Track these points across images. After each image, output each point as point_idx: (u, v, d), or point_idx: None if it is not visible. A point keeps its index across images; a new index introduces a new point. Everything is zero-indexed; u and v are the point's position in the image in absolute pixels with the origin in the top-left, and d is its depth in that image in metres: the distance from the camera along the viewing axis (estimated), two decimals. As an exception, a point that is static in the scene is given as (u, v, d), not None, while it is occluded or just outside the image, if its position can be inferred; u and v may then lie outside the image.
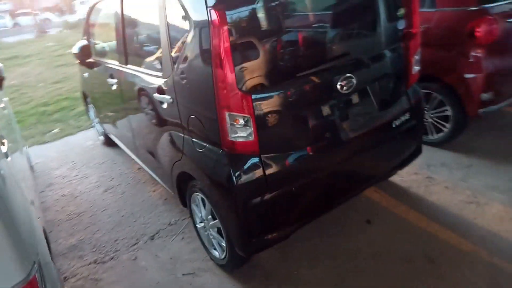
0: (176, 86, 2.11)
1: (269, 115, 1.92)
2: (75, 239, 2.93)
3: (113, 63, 3.11)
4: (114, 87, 3.11)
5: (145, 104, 2.63)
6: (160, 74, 2.30)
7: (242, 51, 1.80)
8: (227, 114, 1.83)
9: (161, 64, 2.28)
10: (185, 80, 2.02)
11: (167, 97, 2.22)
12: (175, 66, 2.08)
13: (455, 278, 2.17)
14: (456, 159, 3.33)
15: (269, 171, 1.94)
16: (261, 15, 1.86)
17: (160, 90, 2.29)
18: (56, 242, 2.92)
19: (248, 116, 1.83)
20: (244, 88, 1.81)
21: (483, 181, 2.97)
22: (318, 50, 2.11)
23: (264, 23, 1.88)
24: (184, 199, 2.62)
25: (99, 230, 3.00)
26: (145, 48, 2.54)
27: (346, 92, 2.11)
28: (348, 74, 2.10)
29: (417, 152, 2.69)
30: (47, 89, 7.68)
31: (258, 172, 1.92)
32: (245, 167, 1.90)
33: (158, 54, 2.34)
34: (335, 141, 2.17)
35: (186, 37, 1.93)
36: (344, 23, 2.20)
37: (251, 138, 1.87)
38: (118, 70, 2.98)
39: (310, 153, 2.08)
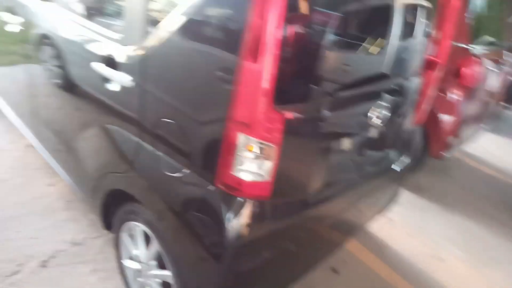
0: (147, 65, 1.31)
1: (294, 145, 1.29)
2: None
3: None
4: (14, 28, 2.06)
5: (72, 69, 1.72)
6: (115, 36, 1.45)
7: (294, 40, 1.12)
8: (241, 136, 1.14)
9: (120, 21, 1.43)
10: (171, 62, 1.25)
11: (123, 76, 1.39)
12: (154, 32, 1.28)
13: None
14: (409, 198, 3.16)
15: (275, 223, 1.32)
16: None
17: (111, 63, 1.44)
18: None
19: (272, 144, 1.17)
20: (277, 102, 1.14)
21: (440, 231, 2.82)
22: (369, 64, 1.54)
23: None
24: (108, 219, 1.82)
25: (-45, 243, 1.96)
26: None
27: (375, 123, 1.60)
28: (384, 103, 1.59)
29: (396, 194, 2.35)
30: None
31: (263, 226, 1.28)
32: (248, 218, 1.24)
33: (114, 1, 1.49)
34: (348, 183, 1.65)
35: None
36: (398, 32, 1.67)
37: (266, 177, 1.21)
38: (25, 5, 1.95)
39: (322, 197, 1.52)
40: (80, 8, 1.68)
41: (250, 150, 1.16)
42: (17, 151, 2.73)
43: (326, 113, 1.35)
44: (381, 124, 1.60)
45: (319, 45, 1.42)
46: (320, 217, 1.60)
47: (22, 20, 2.00)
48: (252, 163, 1.18)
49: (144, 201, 1.46)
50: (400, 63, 1.83)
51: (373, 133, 1.76)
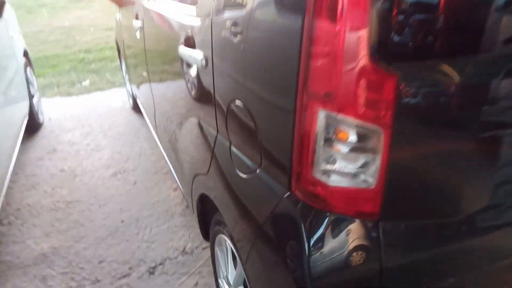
0: (214, 34, 1.02)
1: (425, 131, 0.78)
2: (48, 245, 2.02)
3: (141, -3, 2.08)
4: (138, 34, 2.09)
5: (169, 63, 1.58)
6: (193, 10, 1.22)
7: None
8: (321, 113, 0.71)
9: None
10: (231, 26, 0.92)
11: (198, 54, 1.14)
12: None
13: None
14: None
15: (391, 258, 0.82)
16: None
17: (188, 41, 1.22)
18: (24, 243, 2.04)
19: (378, 127, 0.70)
20: (380, 56, 0.67)
21: None
22: None
23: None
24: (207, 229, 1.59)
25: (85, 238, 2.07)
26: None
27: None
28: None
29: None
30: (96, 35, 6.94)
31: (369, 260, 0.80)
32: (342, 245, 0.79)
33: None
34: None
35: None
36: None
37: (370, 182, 0.75)
38: (143, 6, 1.94)
39: (490, 222, 0.93)
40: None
41: (342, 138, 0.73)
42: (154, 155, 2.86)
43: (490, 79, 0.79)
44: None
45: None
46: (491, 253, 0.99)
47: (140, 23, 2.02)
48: (344, 160, 0.74)
49: (222, 210, 1.16)
50: None
51: None
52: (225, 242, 1.32)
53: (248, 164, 0.96)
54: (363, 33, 0.65)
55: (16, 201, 2.38)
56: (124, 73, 3.69)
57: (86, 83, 4.53)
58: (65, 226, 2.16)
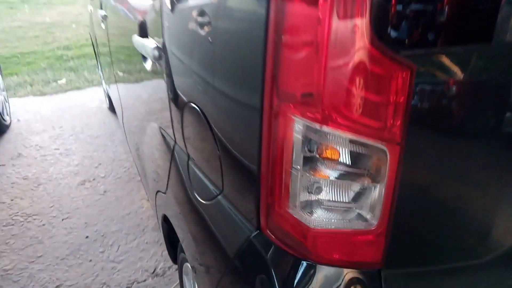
0: (165, 20, 0.79)
1: (442, 150, 0.55)
2: (-1, 266, 1.78)
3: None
4: (103, 25, 1.85)
5: (130, 58, 1.34)
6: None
7: None
8: (299, 122, 0.48)
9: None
10: (197, 15, 0.69)
11: (150, 44, 0.90)
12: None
13: None
14: None
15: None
16: None
17: (142, 28, 0.98)
18: (-29, 265, 1.78)
19: (382, 144, 0.48)
20: (388, 40, 0.45)
21: None
22: None
23: None
24: (174, 251, 1.36)
25: (42, 257, 1.82)
26: None
27: None
28: None
29: None
30: (78, 31, 6.65)
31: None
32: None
33: None
34: None
35: None
36: None
37: (369, 220, 0.52)
38: None
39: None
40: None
41: (329, 160, 0.50)
42: (128, 161, 2.61)
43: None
44: None
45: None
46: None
47: (104, 12, 1.77)
48: (333, 190, 0.51)
49: (181, 240, 0.93)
50: None
51: None
52: (192, 273, 1.09)
53: (208, 187, 0.73)
54: (360, 15, 0.43)
55: (-32, 214, 2.13)
56: (99, 71, 3.44)
57: (62, 81, 4.25)
58: (20, 244, 1.90)
